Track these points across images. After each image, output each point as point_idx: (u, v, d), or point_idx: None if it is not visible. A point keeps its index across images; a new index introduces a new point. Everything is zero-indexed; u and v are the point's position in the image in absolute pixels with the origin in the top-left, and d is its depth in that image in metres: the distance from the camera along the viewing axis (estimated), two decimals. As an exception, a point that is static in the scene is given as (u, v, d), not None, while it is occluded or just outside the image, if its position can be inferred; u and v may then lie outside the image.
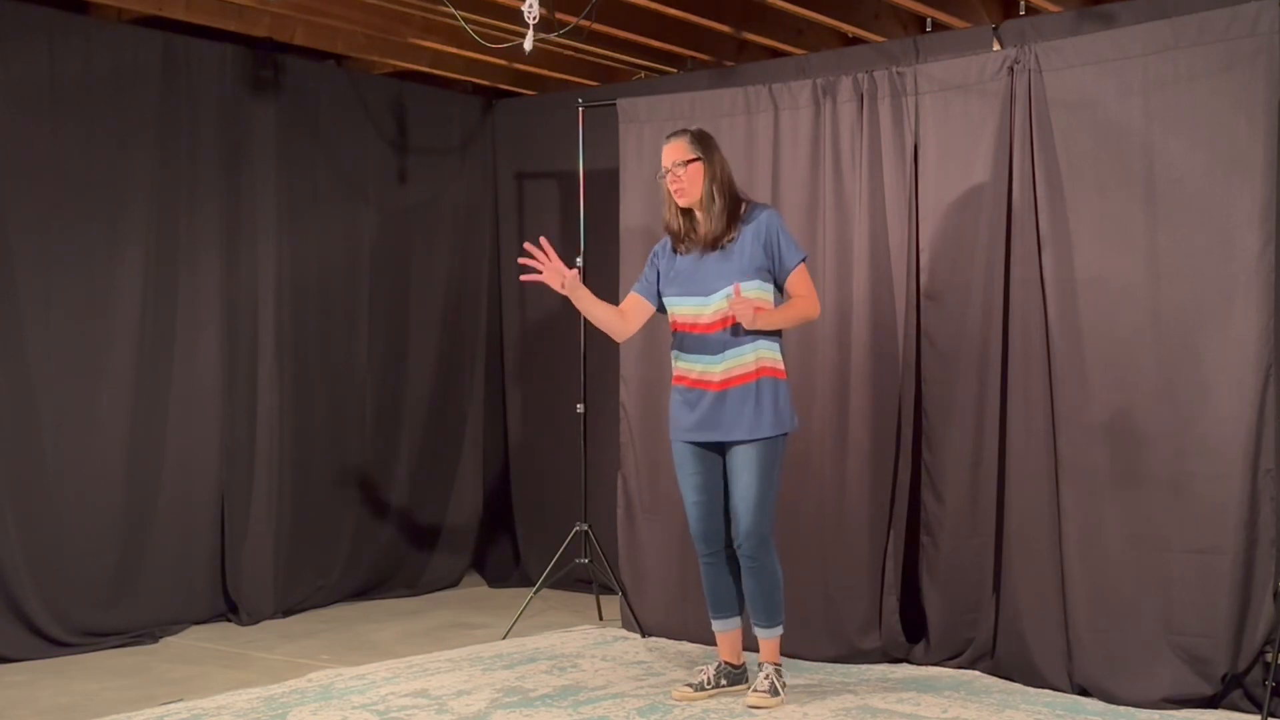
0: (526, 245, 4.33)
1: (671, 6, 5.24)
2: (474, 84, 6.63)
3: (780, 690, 4.28)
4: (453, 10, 4.82)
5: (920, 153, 4.85)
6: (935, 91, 4.81)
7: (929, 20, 5.31)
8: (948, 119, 4.79)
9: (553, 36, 4.81)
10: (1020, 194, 4.59)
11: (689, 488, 4.37)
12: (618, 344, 5.42)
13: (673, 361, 4.40)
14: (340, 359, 6.15)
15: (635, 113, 5.46)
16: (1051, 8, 4.98)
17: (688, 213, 4.34)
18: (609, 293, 5.59)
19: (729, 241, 4.26)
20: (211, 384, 5.61)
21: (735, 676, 4.43)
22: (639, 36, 5.62)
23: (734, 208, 4.31)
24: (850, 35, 5.53)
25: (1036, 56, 4.55)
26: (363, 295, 6.23)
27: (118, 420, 5.30)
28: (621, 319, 4.45)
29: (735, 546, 4.30)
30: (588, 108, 5.72)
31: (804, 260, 4.30)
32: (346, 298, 6.17)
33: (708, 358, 4.25)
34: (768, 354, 4.25)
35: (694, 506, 4.37)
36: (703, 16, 5.39)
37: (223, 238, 5.64)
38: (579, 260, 5.72)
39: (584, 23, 4.88)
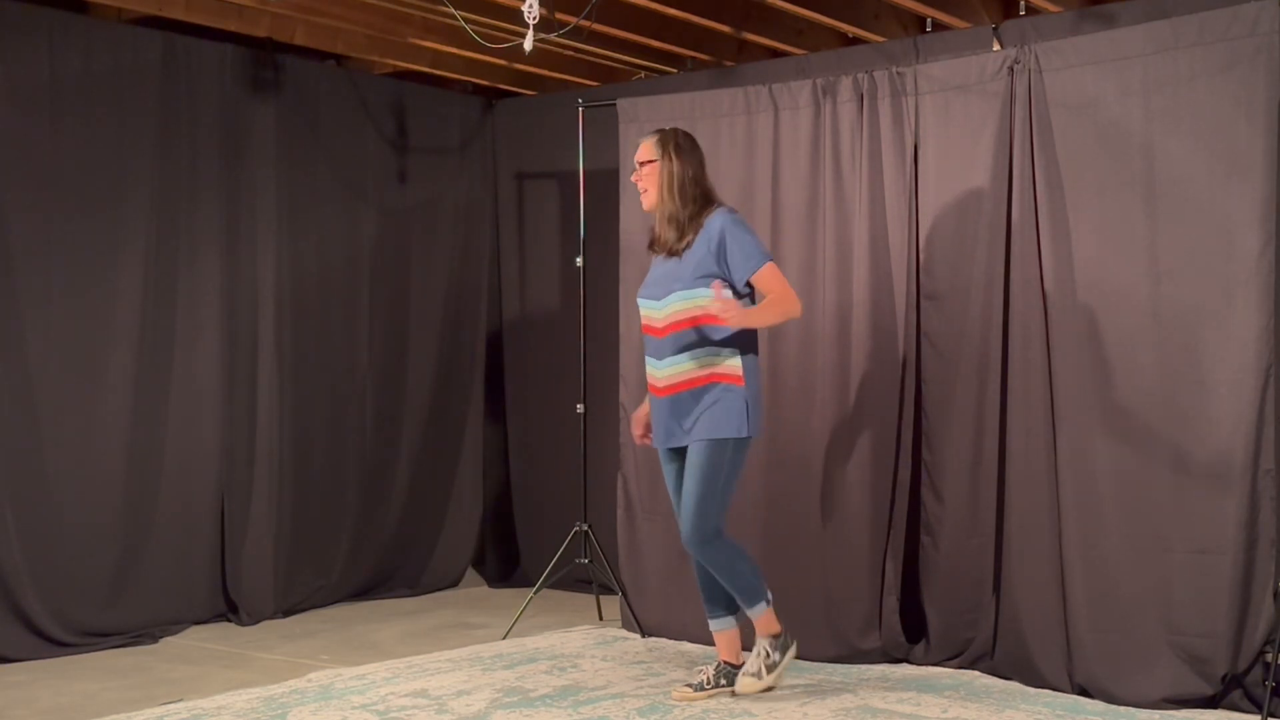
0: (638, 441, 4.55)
1: (671, 6, 5.24)
2: (474, 84, 6.63)
3: (766, 672, 4.29)
4: (453, 10, 4.82)
5: (920, 153, 4.85)
6: (935, 91, 4.81)
7: (929, 20, 5.30)
8: (948, 119, 4.79)
9: (553, 36, 4.80)
10: (1020, 194, 4.59)
11: (670, 490, 4.47)
12: (618, 344, 5.44)
13: None
14: (340, 359, 6.15)
15: (635, 113, 5.46)
16: (1051, 8, 4.98)
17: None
18: (608, 292, 5.61)
19: (684, 248, 4.25)
20: (211, 384, 5.60)
21: (735, 676, 4.42)
22: (639, 36, 5.62)
23: (690, 214, 4.26)
24: (850, 35, 5.53)
25: (1036, 56, 4.55)
26: (363, 295, 6.23)
27: (118, 420, 5.30)
28: None
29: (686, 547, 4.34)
30: (588, 108, 5.72)
31: (768, 262, 4.24)
32: (346, 298, 6.17)
33: (656, 362, 4.30)
34: (721, 360, 4.23)
35: (676, 508, 4.43)
36: (703, 16, 5.39)
37: (223, 237, 5.63)
38: (579, 260, 5.72)
39: (584, 23, 4.88)
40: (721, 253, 4.21)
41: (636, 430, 4.55)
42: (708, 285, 4.18)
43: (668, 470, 4.43)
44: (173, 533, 5.48)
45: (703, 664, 4.61)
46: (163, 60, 5.41)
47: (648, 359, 4.36)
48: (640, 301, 4.39)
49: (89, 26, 5.22)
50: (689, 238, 4.25)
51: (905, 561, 4.88)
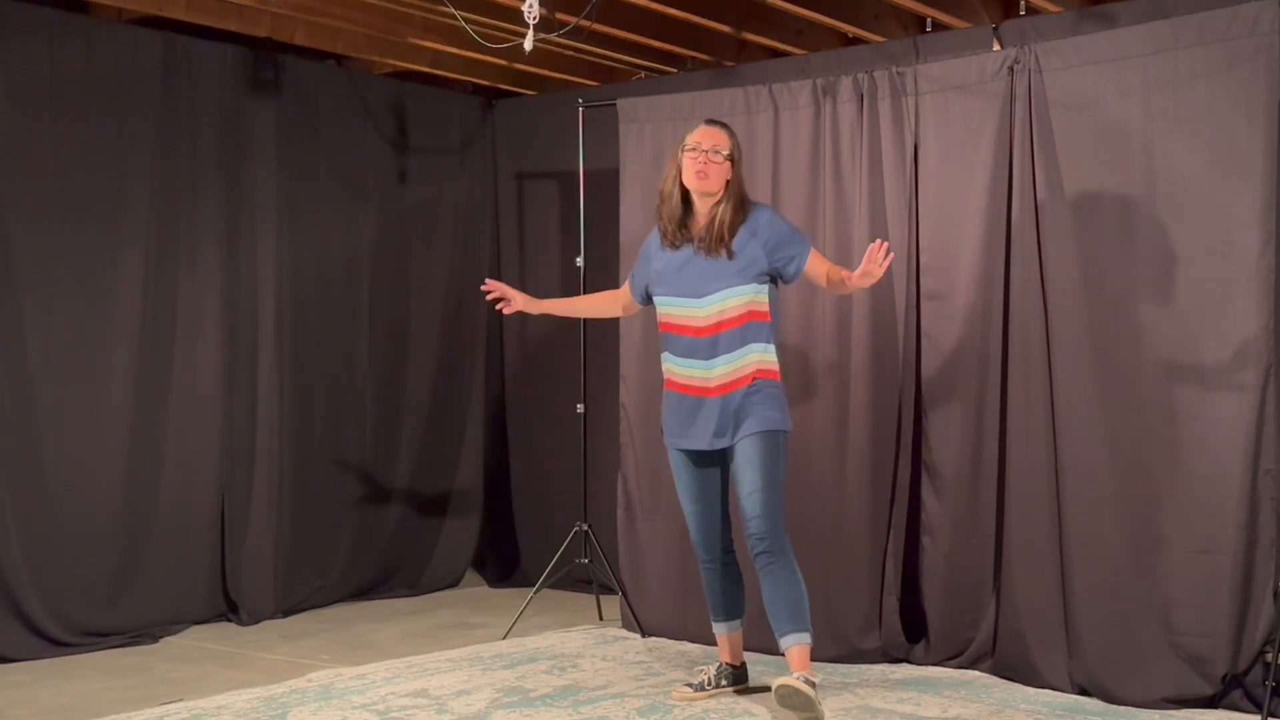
0: (485, 286, 4.57)
1: (671, 6, 5.24)
2: (474, 84, 6.63)
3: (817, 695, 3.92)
4: (453, 10, 4.82)
5: (920, 153, 4.84)
6: (935, 91, 4.81)
7: (929, 20, 5.31)
8: (948, 119, 4.78)
9: (553, 36, 4.80)
10: (1020, 194, 4.59)
11: (686, 496, 4.31)
12: (618, 344, 5.43)
13: (662, 363, 4.28)
14: (340, 359, 6.15)
15: (635, 113, 5.46)
16: (1051, 8, 4.98)
17: (686, 202, 4.20)
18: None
19: (730, 246, 4.13)
20: (211, 384, 5.61)
21: (736, 676, 4.42)
22: (639, 36, 5.62)
23: (742, 216, 4.17)
24: (850, 35, 5.53)
25: (1036, 56, 4.55)
26: (363, 295, 6.23)
27: (118, 420, 5.30)
28: (612, 302, 4.59)
29: (752, 551, 4.11)
30: (588, 108, 5.72)
31: (812, 246, 4.22)
32: (346, 298, 6.17)
33: (700, 363, 4.14)
34: (764, 357, 4.15)
35: (691, 516, 4.31)
36: (703, 16, 5.39)
37: (223, 237, 5.63)
38: (579, 260, 5.72)
39: (584, 23, 4.88)
40: (770, 247, 4.13)
41: (507, 307, 4.57)
42: (760, 282, 4.12)
43: (686, 473, 4.25)
44: (173, 533, 5.48)
45: (703, 664, 4.60)
46: (163, 60, 5.41)
47: (681, 360, 4.18)
48: (667, 299, 4.20)
49: (89, 26, 5.22)
50: (733, 242, 4.13)
51: (905, 561, 4.88)
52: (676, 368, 4.21)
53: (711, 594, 4.37)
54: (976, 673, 4.66)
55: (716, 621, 4.42)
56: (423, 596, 6.32)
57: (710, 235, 4.15)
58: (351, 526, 6.18)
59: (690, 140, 4.19)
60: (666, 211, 4.23)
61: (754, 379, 4.12)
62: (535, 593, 5.56)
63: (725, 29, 5.55)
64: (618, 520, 5.44)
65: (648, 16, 5.46)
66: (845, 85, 4.99)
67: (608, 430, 5.75)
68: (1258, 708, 4.06)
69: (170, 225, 5.46)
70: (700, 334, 4.14)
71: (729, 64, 6.00)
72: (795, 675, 3.99)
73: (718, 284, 4.12)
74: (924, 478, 4.84)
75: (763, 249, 4.14)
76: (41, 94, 5.05)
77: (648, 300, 4.37)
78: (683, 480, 4.29)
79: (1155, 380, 4.29)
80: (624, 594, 5.40)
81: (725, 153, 4.16)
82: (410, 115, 6.43)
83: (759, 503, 4.07)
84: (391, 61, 6.05)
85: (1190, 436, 4.21)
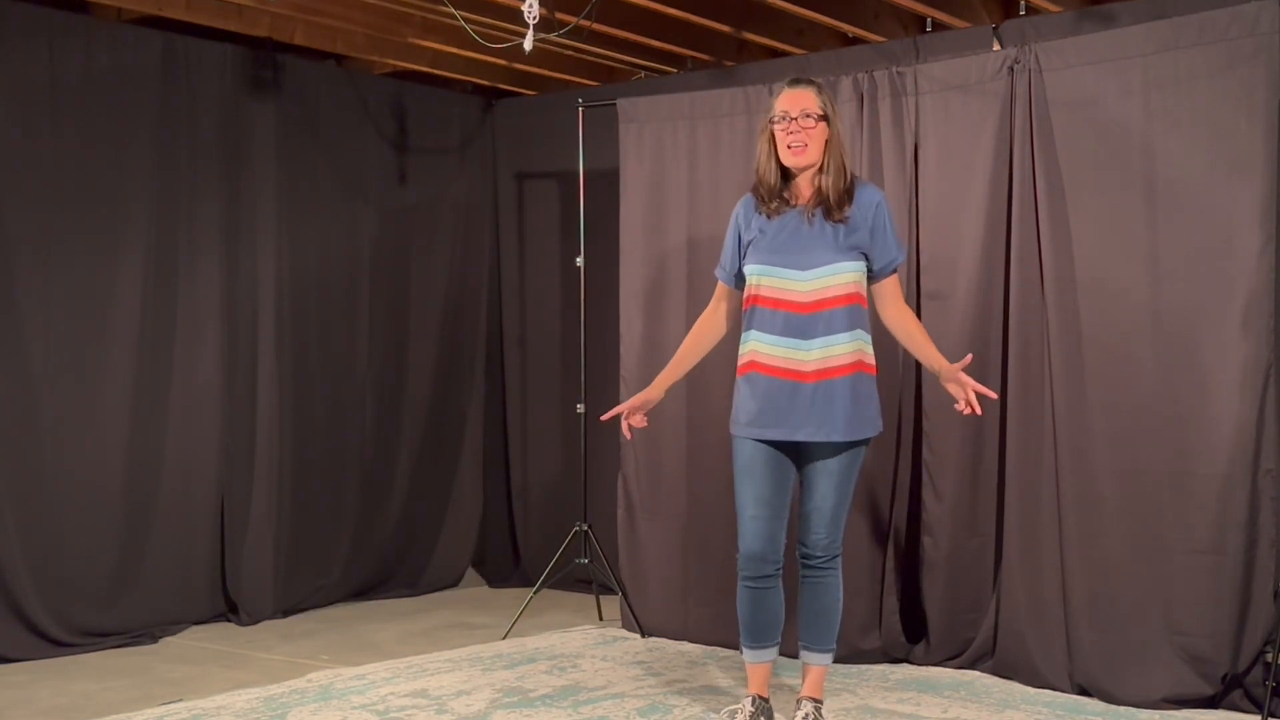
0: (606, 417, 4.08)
1: (671, 6, 5.24)
2: (474, 84, 6.63)
3: None
4: (453, 10, 4.82)
5: (920, 153, 4.84)
6: (935, 91, 4.81)
7: (929, 20, 5.30)
8: (948, 119, 4.78)
9: (553, 36, 4.80)
10: (1020, 194, 4.60)
11: (752, 500, 3.79)
12: (618, 344, 5.43)
13: (744, 344, 3.83)
14: (340, 359, 6.15)
15: (635, 113, 5.46)
16: (1051, 8, 4.98)
17: (784, 173, 3.81)
18: (608, 292, 5.61)
19: (841, 218, 3.75)
20: (211, 384, 5.60)
21: (769, 712, 3.96)
22: (639, 36, 5.62)
23: (845, 179, 3.80)
24: (850, 35, 5.53)
25: (1036, 56, 4.55)
26: (363, 295, 6.23)
27: (118, 420, 5.30)
28: (711, 323, 4.00)
29: (803, 559, 3.82)
30: (588, 108, 5.72)
31: (903, 259, 3.89)
32: (346, 298, 6.17)
33: (798, 342, 3.71)
34: (867, 347, 3.78)
35: (753, 521, 3.78)
36: (703, 16, 5.39)
37: (223, 238, 5.63)
38: (579, 260, 5.72)
39: (584, 23, 4.88)
40: (875, 230, 3.77)
41: (635, 419, 4.01)
42: (861, 259, 3.76)
43: (759, 471, 3.77)
44: (173, 533, 5.48)
45: (731, 705, 4.12)
46: (163, 60, 5.41)
47: (776, 339, 3.74)
48: (767, 269, 3.76)
49: (89, 27, 5.21)
50: (849, 208, 3.77)
51: (905, 561, 4.88)
52: (768, 347, 3.76)
53: (756, 615, 3.84)
54: (976, 673, 4.66)
55: (756, 648, 3.88)
56: (422, 596, 6.32)
57: (823, 202, 3.77)
58: (351, 526, 6.18)
59: (777, 109, 3.78)
60: (765, 189, 3.83)
61: (856, 369, 3.75)
62: (535, 593, 5.56)
63: (725, 29, 5.55)
64: (618, 520, 5.44)
65: (648, 16, 5.46)
66: (845, 85, 4.98)
67: (608, 430, 5.74)
68: (1258, 708, 4.06)
69: (170, 225, 5.46)
70: (800, 309, 3.73)
71: (729, 64, 6.00)
72: (809, 702, 3.89)
73: (824, 257, 3.73)
74: (924, 478, 4.84)
75: (868, 229, 3.78)
76: (41, 94, 5.04)
77: (743, 281, 3.89)
78: (754, 481, 3.78)
79: (1155, 380, 4.30)
80: (624, 594, 5.41)
81: (817, 114, 3.75)
82: (410, 115, 6.42)
83: (827, 520, 3.77)
84: (391, 61, 6.05)
85: (1190, 436, 4.22)
